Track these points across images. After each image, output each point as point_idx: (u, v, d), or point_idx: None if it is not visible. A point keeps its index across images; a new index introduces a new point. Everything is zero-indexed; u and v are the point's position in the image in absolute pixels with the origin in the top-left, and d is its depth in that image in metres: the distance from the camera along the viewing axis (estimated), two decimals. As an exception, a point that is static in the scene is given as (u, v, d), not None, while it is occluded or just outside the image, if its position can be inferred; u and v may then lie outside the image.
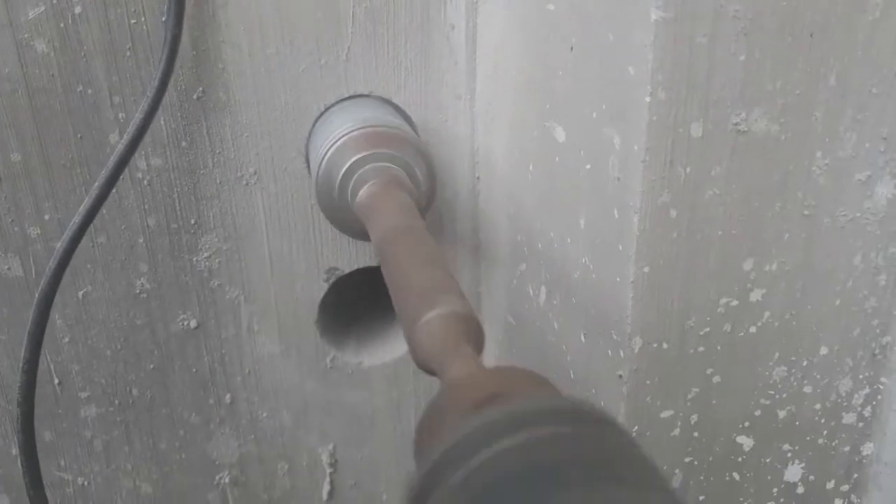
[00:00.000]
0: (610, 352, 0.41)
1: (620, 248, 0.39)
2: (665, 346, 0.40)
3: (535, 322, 0.50)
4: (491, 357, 0.60)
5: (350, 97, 0.53)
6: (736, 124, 0.36)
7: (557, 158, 0.44)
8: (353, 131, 0.47)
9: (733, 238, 0.39)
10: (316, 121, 0.53)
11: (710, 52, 0.35)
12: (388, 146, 0.47)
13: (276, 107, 0.52)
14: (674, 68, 0.34)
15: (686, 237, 0.38)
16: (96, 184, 0.48)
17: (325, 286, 0.58)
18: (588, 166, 0.41)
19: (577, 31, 0.40)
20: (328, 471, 0.64)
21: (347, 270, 0.58)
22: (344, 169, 0.46)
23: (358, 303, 0.62)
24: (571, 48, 0.41)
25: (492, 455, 0.20)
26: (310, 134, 0.53)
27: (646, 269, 0.38)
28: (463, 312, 0.29)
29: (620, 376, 0.41)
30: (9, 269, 0.52)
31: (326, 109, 0.53)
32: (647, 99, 0.35)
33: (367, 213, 0.42)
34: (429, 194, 0.49)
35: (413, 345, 0.30)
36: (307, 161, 0.54)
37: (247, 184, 0.54)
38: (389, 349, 0.62)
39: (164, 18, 0.49)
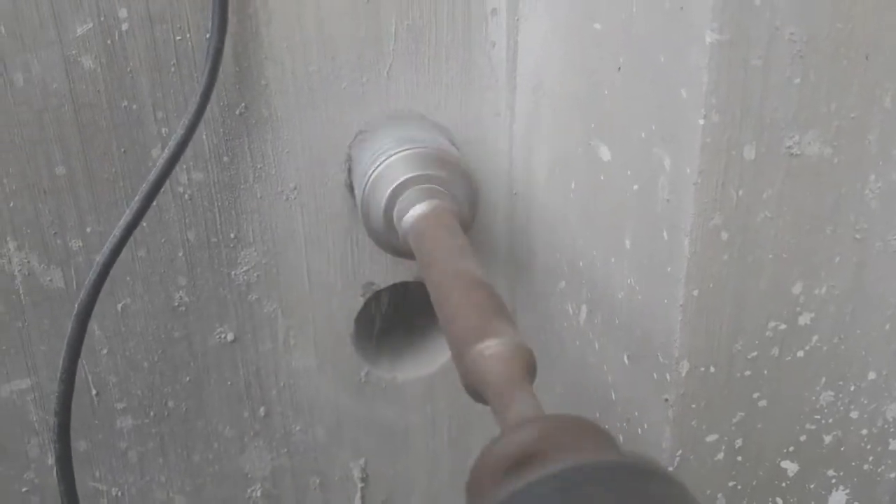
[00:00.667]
0: (655, 374, 0.41)
1: (669, 269, 0.38)
2: (712, 369, 0.40)
3: (575, 341, 0.50)
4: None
5: (391, 115, 0.54)
6: (789, 147, 0.36)
7: (602, 177, 0.44)
8: (399, 152, 0.47)
9: (783, 261, 0.38)
10: (357, 137, 0.53)
11: (765, 75, 0.34)
12: (434, 167, 0.47)
13: (318, 123, 0.53)
14: (728, 91, 0.34)
15: (737, 260, 0.38)
16: (137, 197, 0.48)
17: (362, 301, 0.58)
18: (635, 186, 0.41)
19: (625, 50, 0.40)
20: (359, 486, 0.63)
21: (384, 286, 0.58)
22: (390, 189, 0.46)
23: (393, 318, 0.62)
24: (619, 68, 0.41)
25: None
26: (350, 150, 0.54)
27: (695, 292, 0.38)
28: (517, 342, 0.29)
29: (666, 400, 0.40)
30: (50, 280, 0.53)
31: (368, 126, 0.53)
32: (701, 122, 0.35)
33: (414, 236, 0.42)
34: (471, 214, 0.49)
35: (465, 373, 0.30)
36: (348, 178, 0.54)
37: (287, 199, 0.54)
38: (424, 364, 0.62)
39: (207, 35, 0.49)
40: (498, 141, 0.56)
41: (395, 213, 0.46)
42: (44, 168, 0.50)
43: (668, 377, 0.40)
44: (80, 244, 0.53)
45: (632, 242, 0.42)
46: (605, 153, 0.43)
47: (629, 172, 0.41)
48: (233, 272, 0.55)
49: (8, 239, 0.51)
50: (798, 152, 0.36)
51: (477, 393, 0.30)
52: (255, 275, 0.56)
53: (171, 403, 0.58)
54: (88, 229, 0.52)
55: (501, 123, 0.55)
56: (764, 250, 0.38)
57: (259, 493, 0.62)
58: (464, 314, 0.32)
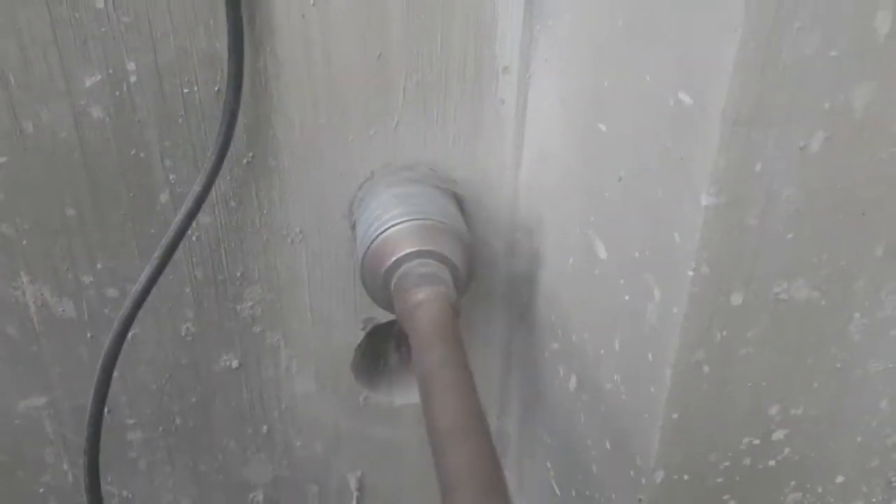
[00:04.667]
0: (632, 472, 0.43)
1: (652, 390, 0.40)
2: (686, 477, 0.42)
3: (564, 403, 0.52)
4: (514, 420, 0.62)
5: (398, 166, 0.54)
6: (777, 293, 0.37)
7: (597, 271, 0.45)
8: (401, 222, 0.48)
9: (762, 388, 0.40)
10: (362, 186, 0.54)
11: (760, 232, 0.35)
12: (435, 242, 0.47)
13: (323, 173, 0.53)
14: (720, 247, 0.35)
15: (717, 389, 0.39)
16: (154, 256, 0.49)
17: (362, 334, 0.60)
18: (627, 297, 0.42)
19: (627, 164, 0.40)
20: (355, 494, 0.67)
21: (383, 320, 0.60)
22: (390, 262, 0.47)
23: (392, 347, 0.64)
24: (620, 178, 0.41)
25: None
26: (355, 199, 0.54)
27: (675, 416, 0.39)
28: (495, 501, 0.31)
29: (640, 500, 0.43)
30: (63, 311, 0.55)
31: (374, 176, 0.54)
32: (690, 273, 0.35)
33: (410, 326, 0.43)
34: (466, 285, 0.50)
35: None
36: (352, 224, 0.55)
37: (292, 242, 0.55)
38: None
39: (216, 88, 0.49)
40: (502, 192, 0.56)
41: (392, 288, 0.48)
42: (55, 209, 0.51)
43: (643, 481, 0.42)
44: (91, 279, 0.54)
45: (621, 346, 0.43)
46: (601, 250, 0.44)
47: (622, 282, 0.42)
48: (238, 307, 0.57)
49: (22, 273, 0.53)
50: (786, 297, 0.37)
51: None
52: (259, 309, 0.58)
53: (178, 420, 0.61)
54: (99, 265, 0.54)
55: (507, 177, 0.55)
56: (744, 381, 0.39)
57: (261, 498, 0.66)
58: (449, 456, 0.34)
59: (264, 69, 0.49)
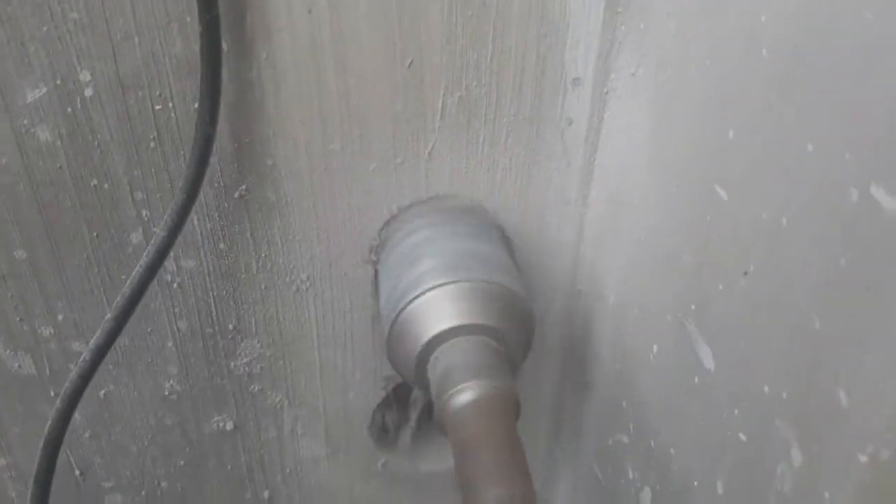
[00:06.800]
0: None
1: (775, 574, 0.29)
2: None
3: (633, 515, 0.41)
4: (562, 496, 0.51)
5: (432, 197, 0.42)
6: None
7: (698, 380, 0.33)
8: (438, 285, 0.36)
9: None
10: (386, 224, 0.42)
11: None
12: (485, 313, 0.36)
13: (338, 209, 0.42)
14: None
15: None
16: (114, 309, 0.39)
17: (382, 394, 0.49)
18: (743, 437, 0.30)
19: (759, 257, 0.28)
20: (374, 561, 0.58)
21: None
22: (423, 342, 0.36)
23: (417, 408, 0.54)
24: (746, 273, 0.29)
25: None
26: (379, 239, 0.43)
27: None
28: None
29: None
30: (19, 366, 0.45)
31: (400, 212, 0.42)
32: (864, 458, 0.23)
33: (454, 444, 0.32)
34: (524, 358, 0.39)
35: None
36: (374, 268, 0.44)
37: (297, 290, 0.44)
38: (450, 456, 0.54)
39: (196, 104, 0.37)
40: (564, 231, 0.44)
41: (428, 377, 0.36)
42: (0, 251, 0.41)
43: None
44: (52, 331, 0.44)
45: (725, 492, 0.32)
46: (706, 357, 0.32)
47: (737, 412, 0.30)
48: (232, 363, 0.47)
49: (-34, 323, 0.43)
50: None
51: None
52: (258, 366, 0.47)
53: (164, 484, 0.51)
54: (60, 316, 0.44)
55: (570, 213, 0.43)
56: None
57: (264, 562, 0.57)
58: None
59: (258, 81, 0.37)
